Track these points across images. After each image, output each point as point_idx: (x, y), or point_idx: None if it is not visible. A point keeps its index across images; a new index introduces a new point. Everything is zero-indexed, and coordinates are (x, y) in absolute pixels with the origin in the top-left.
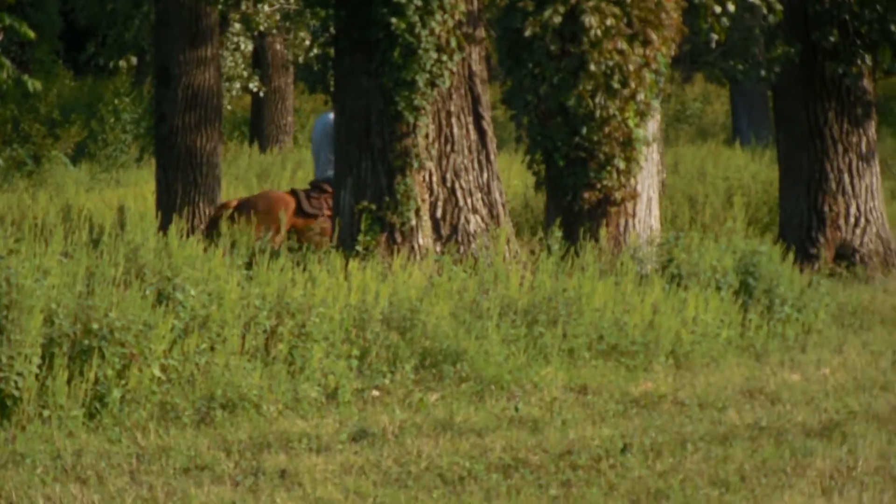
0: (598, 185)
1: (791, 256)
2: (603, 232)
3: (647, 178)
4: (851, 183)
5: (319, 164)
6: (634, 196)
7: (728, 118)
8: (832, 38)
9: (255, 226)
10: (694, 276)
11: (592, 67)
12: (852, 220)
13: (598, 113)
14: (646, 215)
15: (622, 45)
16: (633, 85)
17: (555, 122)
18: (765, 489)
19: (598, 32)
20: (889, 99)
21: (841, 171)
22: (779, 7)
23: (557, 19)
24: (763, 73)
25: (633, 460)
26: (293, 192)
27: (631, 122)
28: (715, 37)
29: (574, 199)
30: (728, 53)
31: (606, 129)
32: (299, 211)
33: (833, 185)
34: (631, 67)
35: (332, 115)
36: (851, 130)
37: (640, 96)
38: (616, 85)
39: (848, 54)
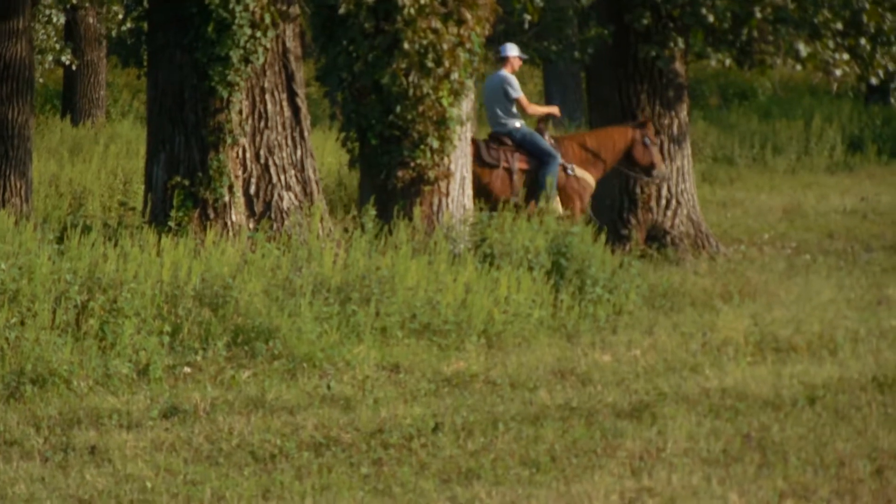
0: (412, 164)
1: (603, 238)
2: (416, 211)
3: (461, 158)
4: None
5: (494, 119)
6: (448, 175)
7: (542, 99)
8: (645, 21)
9: None
10: (506, 256)
11: (406, 46)
12: (664, 202)
13: (411, 91)
14: (459, 194)
15: (436, 23)
16: (447, 64)
17: (369, 100)
18: (575, 469)
19: (413, 11)
20: (700, 82)
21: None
22: None
23: None
24: (576, 54)
25: (445, 439)
26: (473, 142)
27: (445, 101)
28: (528, 17)
29: (388, 177)
30: (542, 34)
31: (420, 108)
32: (479, 160)
33: None
34: (445, 46)
35: (501, 72)
36: (663, 113)
37: (455, 75)
38: (430, 64)
39: (660, 37)
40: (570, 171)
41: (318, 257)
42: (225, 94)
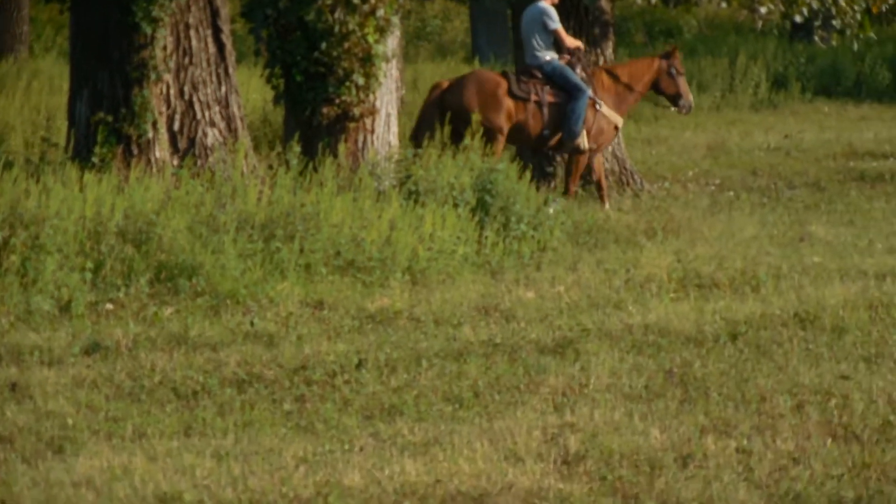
0: (337, 101)
1: (528, 175)
2: (341, 147)
3: (386, 95)
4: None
5: (529, 50)
6: (373, 112)
7: (468, 36)
8: None
9: (475, 102)
10: (431, 193)
11: None
12: None
13: (337, 28)
14: (384, 131)
15: None
16: (372, 1)
17: (294, 37)
18: (498, 405)
19: None
20: (626, 20)
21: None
22: None
23: None
24: None
25: (368, 376)
26: (504, 74)
27: (370, 38)
28: None
29: (313, 114)
30: None
31: (346, 45)
32: (510, 92)
33: None
34: None
35: (540, 4)
36: (590, 50)
37: (380, 12)
38: (356, 0)
39: None
40: (598, 107)
41: (243, 194)
42: (149, 30)
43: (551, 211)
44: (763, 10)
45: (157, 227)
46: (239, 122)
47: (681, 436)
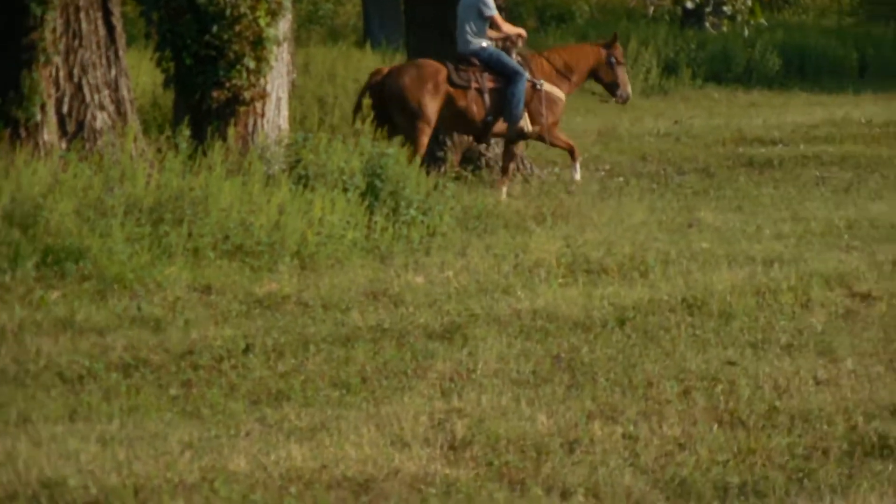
0: (228, 84)
1: (418, 159)
2: (231, 131)
3: (277, 79)
4: None
5: (463, 38)
6: (264, 96)
7: (360, 20)
8: None
9: (413, 90)
10: (321, 178)
11: None
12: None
13: (228, 11)
14: (275, 115)
15: None
16: None
17: (185, 20)
18: (385, 391)
19: None
20: (518, 4)
21: None
22: None
23: None
24: None
25: (255, 361)
26: (442, 62)
27: (262, 21)
28: None
29: (203, 97)
30: None
31: (237, 28)
32: (450, 81)
33: None
34: None
35: None
36: None
37: None
38: None
39: None
40: (538, 86)
41: (131, 177)
42: (38, 12)
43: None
44: None
45: (43, 210)
46: (128, 106)
47: (567, 421)
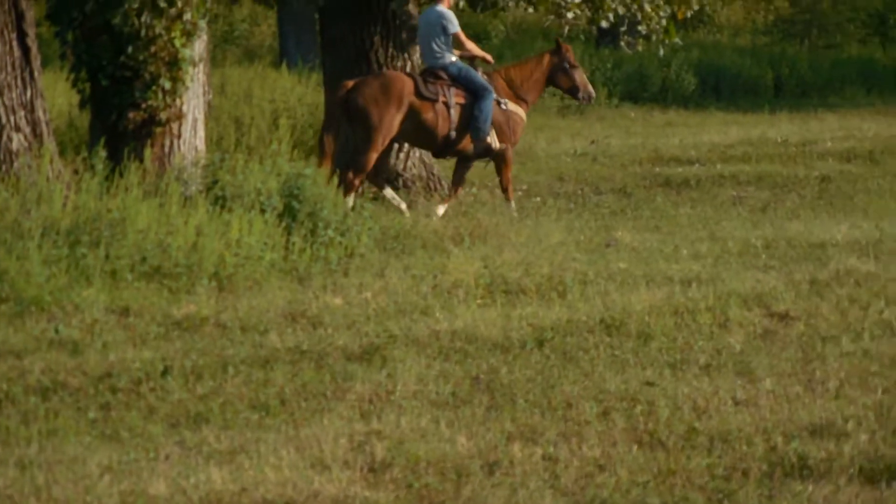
0: (144, 105)
1: (335, 180)
2: (148, 152)
3: (193, 99)
4: None
5: (430, 53)
6: (180, 117)
7: (276, 40)
8: None
9: (376, 103)
10: (238, 199)
11: None
12: (396, 144)
13: (143, 32)
14: (191, 136)
15: None
16: (179, 4)
17: (100, 41)
18: (304, 413)
19: None
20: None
21: None
22: None
23: None
24: None
25: (174, 383)
26: (409, 75)
27: (177, 42)
28: None
29: (119, 118)
30: None
31: (152, 49)
32: (417, 93)
33: None
34: None
35: (438, 7)
36: (397, 55)
37: (187, 16)
38: (162, 4)
39: None
40: (503, 106)
41: (48, 199)
42: None
43: (610, 246)
44: (570, 15)
45: None
46: (44, 127)
47: (487, 443)
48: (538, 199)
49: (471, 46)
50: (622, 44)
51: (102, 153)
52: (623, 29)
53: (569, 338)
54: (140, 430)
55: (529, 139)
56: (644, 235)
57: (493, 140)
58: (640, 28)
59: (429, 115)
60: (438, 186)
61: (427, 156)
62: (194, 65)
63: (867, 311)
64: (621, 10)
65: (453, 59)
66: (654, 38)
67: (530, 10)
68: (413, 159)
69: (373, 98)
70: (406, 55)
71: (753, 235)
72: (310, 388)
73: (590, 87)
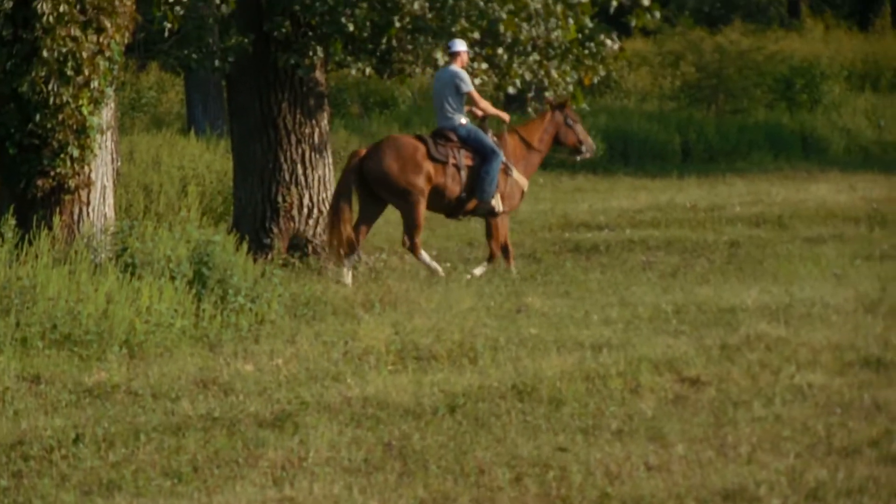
0: (52, 173)
1: (245, 246)
2: (57, 220)
3: (102, 167)
4: (304, 174)
5: (441, 113)
6: (89, 184)
7: (183, 107)
8: (284, 30)
9: (395, 167)
10: (148, 266)
11: (45, 54)
12: (305, 210)
13: (51, 100)
14: (100, 203)
15: (76, 31)
16: (86, 72)
17: (7, 108)
18: (217, 480)
19: (51, 19)
20: (342, 91)
21: (294, 161)
22: None
23: (9, 4)
24: (217, 62)
25: (86, 451)
26: (419, 138)
27: (85, 110)
28: (169, 25)
29: (27, 186)
30: (182, 42)
31: (60, 117)
32: (429, 156)
33: (286, 176)
34: (85, 55)
35: (452, 67)
36: (304, 122)
37: (95, 84)
38: (70, 72)
39: (300, 46)
40: (509, 173)
41: None
42: None
43: (521, 312)
44: (476, 81)
45: None
46: None
47: None
48: (448, 264)
49: (485, 105)
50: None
51: (12, 221)
52: (530, 94)
53: (481, 403)
54: (52, 498)
55: None
56: (554, 301)
57: (496, 203)
58: (547, 93)
59: (441, 178)
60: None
61: None
62: (102, 132)
63: (778, 376)
64: (528, 76)
65: (464, 120)
66: None
67: None
68: (323, 225)
69: (391, 163)
70: (314, 122)
71: (664, 300)
72: (222, 455)
73: (590, 140)
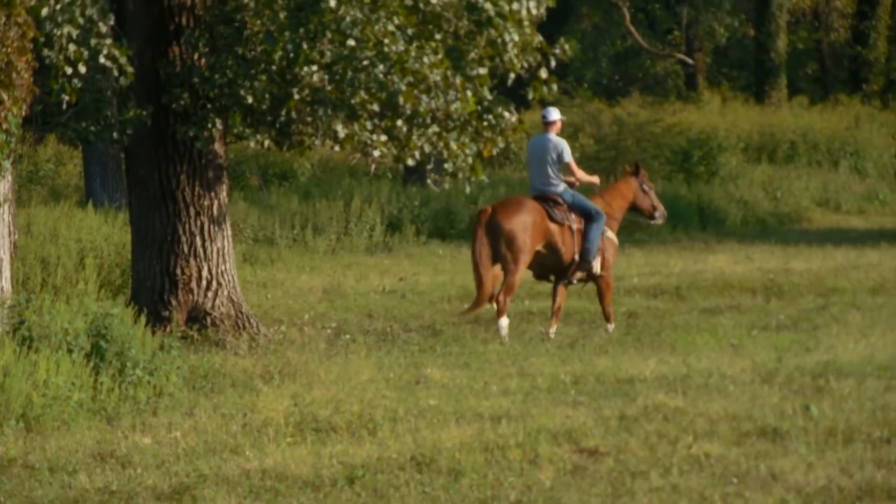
0: None
1: (143, 319)
2: None
3: (1, 239)
4: (203, 246)
5: (544, 180)
6: None
7: (81, 180)
8: (182, 102)
9: (524, 228)
10: (45, 339)
11: None
12: (204, 283)
13: None
14: None
15: None
16: None
17: None
18: None
19: None
20: (240, 163)
21: (193, 234)
22: (130, 69)
23: None
24: (115, 135)
25: None
26: (537, 201)
27: None
28: (67, 97)
29: None
30: (81, 115)
31: None
32: (551, 218)
33: (185, 248)
34: None
35: (550, 135)
36: (203, 194)
37: None
38: None
39: (199, 118)
40: (606, 233)
41: None
42: None
43: (420, 383)
44: (376, 153)
45: None
46: None
47: None
48: (348, 336)
49: (581, 174)
50: (429, 181)
51: None
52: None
53: (380, 475)
54: None
55: (338, 276)
56: (454, 372)
57: (596, 264)
58: (446, 166)
59: (558, 240)
60: (248, 325)
61: (236, 294)
62: (0, 205)
63: (676, 446)
64: (427, 148)
65: (563, 186)
66: (460, 175)
67: (336, 148)
68: (221, 297)
69: (521, 223)
70: (213, 194)
71: (562, 371)
72: None
73: (662, 207)
